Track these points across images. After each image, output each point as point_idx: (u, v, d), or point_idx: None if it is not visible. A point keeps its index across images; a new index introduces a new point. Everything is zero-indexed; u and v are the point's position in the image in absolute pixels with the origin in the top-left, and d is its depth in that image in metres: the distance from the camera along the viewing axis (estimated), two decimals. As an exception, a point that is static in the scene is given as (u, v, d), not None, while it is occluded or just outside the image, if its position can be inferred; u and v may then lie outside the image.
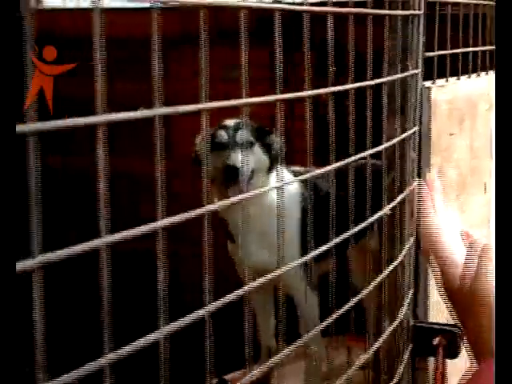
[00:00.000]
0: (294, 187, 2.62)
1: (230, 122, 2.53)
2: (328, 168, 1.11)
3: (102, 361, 0.64)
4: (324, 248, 1.08)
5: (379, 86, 1.25)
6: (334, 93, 1.08)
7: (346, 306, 1.13)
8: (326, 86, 1.03)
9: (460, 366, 1.84)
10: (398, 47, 1.26)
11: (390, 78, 1.22)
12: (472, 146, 1.75)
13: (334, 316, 1.08)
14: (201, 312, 0.74)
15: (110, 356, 0.65)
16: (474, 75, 1.76)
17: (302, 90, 0.98)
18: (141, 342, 0.67)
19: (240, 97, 0.82)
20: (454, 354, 1.62)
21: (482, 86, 1.77)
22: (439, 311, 1.74)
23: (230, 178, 2.36)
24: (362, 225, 1.22)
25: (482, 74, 1.81)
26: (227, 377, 2.82)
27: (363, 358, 1.27)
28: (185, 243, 3.35)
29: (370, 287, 1.23)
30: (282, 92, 0.91)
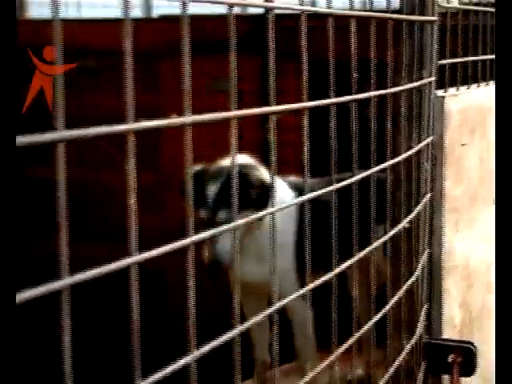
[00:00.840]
0: (289, 198, 2.50)
1: (214, 185, 2.31)
2: (345, 182, 1.06)
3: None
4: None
5: (388, 96, 1.20)
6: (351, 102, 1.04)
7: (373, 321, 1.08)
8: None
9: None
10: (415, 54, 1.22)
11: (407, 86, 1.18)
12: (482, 157, 1.71)
13: (361, 331, 1.03)
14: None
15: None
16: (483, 84, 1.73)
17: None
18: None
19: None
20: (469, 371, 1.57)
21: (492, 95, 1.73)
22: (452, 327, 1.69)
23: (213, 271, 2.26)
24: (383, 239, 1.18)
25: (490, 82, 1.77)
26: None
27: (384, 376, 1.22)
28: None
29: (391, 303, 1.18)
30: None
